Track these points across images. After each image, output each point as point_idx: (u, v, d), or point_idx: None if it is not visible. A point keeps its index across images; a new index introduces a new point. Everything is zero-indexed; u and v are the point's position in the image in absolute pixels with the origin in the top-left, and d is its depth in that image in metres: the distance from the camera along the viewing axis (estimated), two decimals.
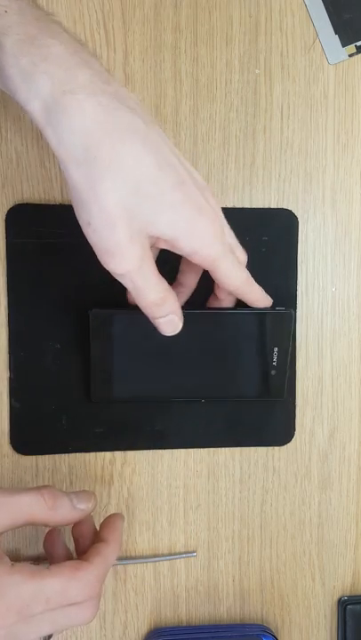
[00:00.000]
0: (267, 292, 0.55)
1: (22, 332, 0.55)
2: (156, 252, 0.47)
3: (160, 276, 0.44)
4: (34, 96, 0.38)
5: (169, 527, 0.58)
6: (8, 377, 0.55)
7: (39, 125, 0.39)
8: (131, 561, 0.58)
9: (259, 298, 0.52)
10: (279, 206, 0.58)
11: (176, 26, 0.56)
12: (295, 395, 0.59)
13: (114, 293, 0.56)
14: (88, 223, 0.41)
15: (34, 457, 0.56)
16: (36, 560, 0.57)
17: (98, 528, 0.49)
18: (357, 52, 0.57)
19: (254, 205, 0.58)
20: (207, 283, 0.57)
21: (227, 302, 0.53)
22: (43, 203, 0.55)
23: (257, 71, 0.57)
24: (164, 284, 0.45)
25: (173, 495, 0.58)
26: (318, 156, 0.58)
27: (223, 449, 0.59)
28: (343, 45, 0.57)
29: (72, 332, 0.56)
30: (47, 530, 0.50)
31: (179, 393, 0.56)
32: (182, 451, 0.58)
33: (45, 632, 0.42)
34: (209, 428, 0.58)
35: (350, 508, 0.60)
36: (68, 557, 0.49)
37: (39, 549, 0.57)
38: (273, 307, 0.55)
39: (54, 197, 0.55)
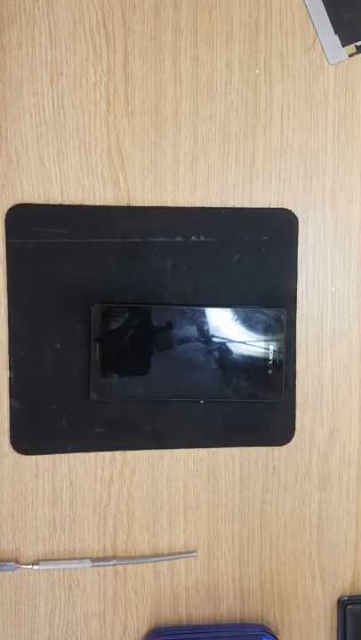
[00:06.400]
0: (267, 291, 0.55)
1: (22, 332, 0.55)
2: None
3: None
4: None
5: (169, 527, 0.58)
6: (8, 377, 0.55)
7: None
8: (131, 561, 0.58)
9: None
10: (279, 206, 0.58)
11: (176, 26, 0.56)
12: (295, 394, 0.59)
13: (114, 294, 0.56)
14: None
15: (34, 457, 0.56)
16: (36, 560, 0.57)
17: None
18: (357, 52, 0.57)
19: (254, 205, 0.58)
20: (208, 284, 0.57)
21: None
22: (43, 203, 0.55)
23: (257, 71, 0.57)
24: None
25: (173, 495, 0.58)
26: (318, 155, 0.58)
27: (223, 449, 0.59)
28: (343, 45, 0.57)
29: (72, 331, 0.56)
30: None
31: (178, 393, 0.56)
32: (182, 451, 0.58)
33: None
34: (209, 427, 0.58)
35: (350, 508, 0.60)
36: None
37: (39, 549, 0.57)
38: (268, 306, 0.55)
39: (54, 197, 0.55)
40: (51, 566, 0.57)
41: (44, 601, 0.58)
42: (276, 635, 0.59)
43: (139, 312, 0.55)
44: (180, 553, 0.59)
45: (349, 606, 0.60)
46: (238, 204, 0.57)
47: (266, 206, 0.58)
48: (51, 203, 0.55)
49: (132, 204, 0.56)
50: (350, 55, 0.57)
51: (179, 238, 0.56)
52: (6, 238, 0.55)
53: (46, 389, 0.56)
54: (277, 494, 0.60)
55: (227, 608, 0.60)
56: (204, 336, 0.56)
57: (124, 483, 0.58)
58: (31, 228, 0.55)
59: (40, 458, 0.57)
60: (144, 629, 0.59)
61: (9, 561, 0.57)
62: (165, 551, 0.59)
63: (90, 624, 0.58)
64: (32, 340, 0.55)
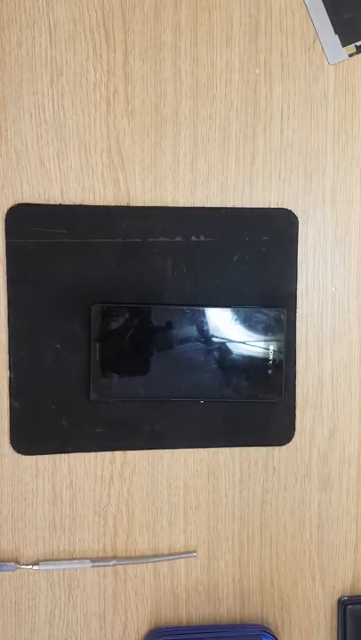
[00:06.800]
0: (267, 291, 0.55)
1: (22, 332, 0.55)
2: None
3: None
4: None
5: (169, 527, 0.58)
6: (8, 377, 0.55)
7: None
8: (131, 561, 0.58)
9: None
10: (279, 206, 0.58)
11: (176, 26, 0.56)
12: (295, 395, 0.59)
13: (114, 294, 0.56)
14: None
15: (34, 457, 0.56)
16: (36, 561, 0.57)
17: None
18: (357, 52, 0.57)
19: (254, 205, 0.58)
20: (208, 284, 0.57)
21: None
22: (43, 203, 0.55)
23: (257, 71, 0.57)
24: None
25: (173, 495, 0.58)
26: (318, 155, 0.58)
27: (223, 449, 0.59)
28: (343, 45, 0.57)
29: (72, 331, 0.56)
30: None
31: (178, 393, 0.56)
32: (182, 451, 0.58)
33: None
34: (209, 427, 0.58)
35: (350, 508, 0.60)
36: None
37: (39, 550, 0.57)
38: (268, 306, 0.55)
39: (54, 197, 0.55)
40: (51, 566, 0.57)
41: (44, 601, 0.58)
42: (276, 635, 0.59)
43: (139, 312, 0.55)
44: (180, 553, 0.59)
45: (349, 606, 0.60)
46: (238, 204, 0.57)
47: (266, 206, 0.58)
48: (51, 203, 0.55)
49: (132, 204, 0.56)
50: (350, 55, 0.57)
51: (179, 238, 0.56)
52: (6, 238, 0.55)
53: (46, 389, 0.56)
54: (277, 494, 0.59)
55: (227, 608, 0.60)
56: (204, 336, 0.56)
57: (124, 483, 0.58)
58: (31, 227, 0.55)
59: (40, 458, 0.57)
60: (144, 630, 0.59)
61: (9, 561, 0.57)
62: (165, 551, 0.59)
63: (90, 624, 0.58)
64: (32, 340, 0.55)
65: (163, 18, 0.55)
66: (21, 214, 0.55)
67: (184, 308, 0.56)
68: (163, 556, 0.58)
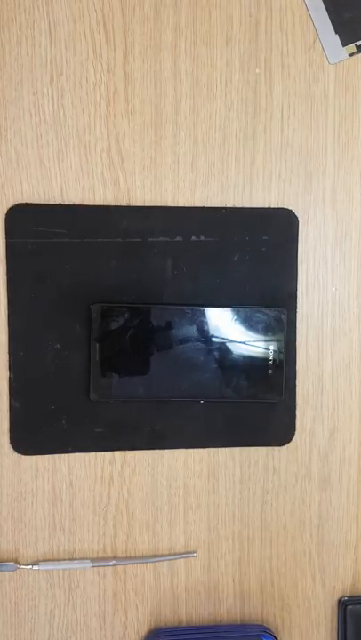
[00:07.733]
0: (267, 291, 0.55)
1: (22, 332, 0.55)
2: None
3: None
4: None
5: (169, 527, 0.58)
6: (8, 377, 0.55)
7: None
8: (131, 561, 0.58)
9: None
10: (279, 206, 0.58)
11: (176, 25, 0.56)
12: (295, 395, 0.59)
13: (114, 294, 0.56)
14: None
15: (34, 457, 0.56)
16: (36, 561, 0.57)
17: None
18: (358, 52, 0.57)
19: (254, 205, 0.57)
20: (208, 284, 0.57)
21: None
22: (43, 202, 0.55)
23: (257, 70, 0.57)
24: None
25: (173, 495, 0.58)
26: (318, 155, 0.58)
27: (223, 449, 0.58)
28: (343, 45, 0.57)
29: (72, 332, 0.56)
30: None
31: (178, 393, 0.56)
32: (182, 451, 0.58)
33: None
34: (209, 428, 0.58)
35: (350, 508, 0.60)
36: None
37: (38, 550, 0.57)
38: (268, 306, 0.55)
39: (54, 197, 0.55)
40: (50, 567, 0.57)
41: (43, 601, 0.58)
42: (276, 635, 0.59)
43: (139, 312, 0.55)
44: (180, 553, 0.59)
45: (350, 607, 0.60)
46: (238, 204, 0.57)
47: (266, 206, 0.58)
48: (51, 202, 0.55)
49: (132, 204, 0.56)
50: (351, 55, 0.57)
51: (179, 238, 0.56)
52: (6, 238, 0.55)
53: (46, 389, 0.56)
54: (277, 494, 0.59)
55: (227, 608, 0.60)
56: (204, 336, 0.56)
57: (124, 483, 0.58)
58: (31, 227, 0.55)
59: (40, 458, 0.57)
60: (144, 630, 0.59)
61: (9, 561, 0.57)
62: (165, 551, 0.59)
63: (90, 624, 0.58)
64: (32, 339, 0.55)
65: (163, 18, 0.55)
66: (21, 214, 0.55)
67: (184, 307, 0.56)
68: (163, 556, 0.58)
